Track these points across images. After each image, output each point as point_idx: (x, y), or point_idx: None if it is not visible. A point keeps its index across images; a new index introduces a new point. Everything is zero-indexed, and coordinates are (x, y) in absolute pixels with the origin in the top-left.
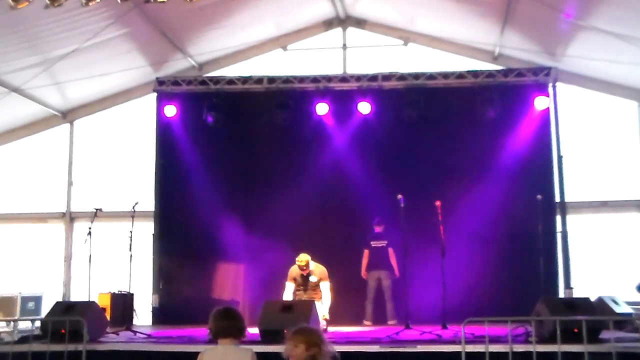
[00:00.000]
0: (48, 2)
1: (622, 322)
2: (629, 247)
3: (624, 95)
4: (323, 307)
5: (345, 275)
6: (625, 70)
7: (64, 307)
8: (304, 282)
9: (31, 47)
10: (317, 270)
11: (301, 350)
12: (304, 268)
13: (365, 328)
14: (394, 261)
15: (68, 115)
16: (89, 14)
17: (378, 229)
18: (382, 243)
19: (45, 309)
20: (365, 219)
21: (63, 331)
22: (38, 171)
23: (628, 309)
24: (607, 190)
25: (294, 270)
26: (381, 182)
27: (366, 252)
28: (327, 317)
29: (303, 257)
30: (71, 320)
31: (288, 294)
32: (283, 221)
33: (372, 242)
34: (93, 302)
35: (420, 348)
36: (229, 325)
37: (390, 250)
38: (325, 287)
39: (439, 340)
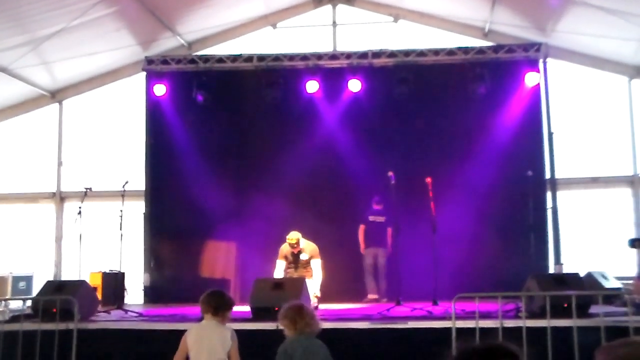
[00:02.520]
0: None
1: (611, 296)
2: (619, 223)
3: (614, 70)
4: (314, 284)
5: (337, 253)
6: (615, 45)
7: (55, 287)
8: (294, 259)
9: (18, 26)
10: (308, 248)
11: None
12: (295, 246)
13: (360, 305)
14: (389, 240)
15: (57, 95)
16: None
17: (377, 207)
18: (380, 219)
19: (37, 288)
20: (356, 197)
21: (54, 310)
22: (28, 151)
23: (617, 284)
24: (598, 166)
25: (284, 248)
26: (372, 159)
27: (362, 227)
28: (319, 295)
29: (293, 235)
30: (62, 299)
31: (279, 272)
32: (274, 199)
33: (370, 217)
34: (84, 281)
35: (411, 324)
36: (216, 305)
37: (389, 229)
38: (316, 264)
39: (430, 317)
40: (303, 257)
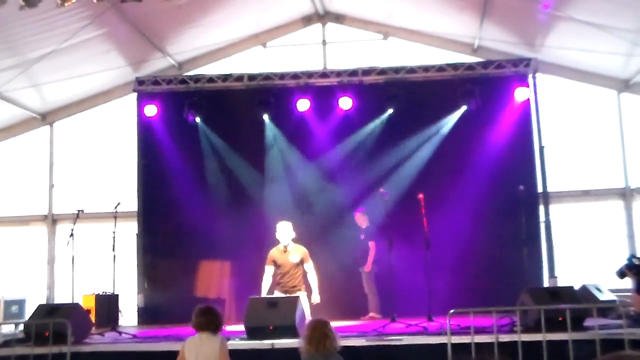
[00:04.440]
0: (22, 3)
1: (606, 309)
2: (612, 235)
3: (603, 84)
4: (312, 287)
5: (330, 270)
6: (604, 60)
7: (48, 310)
8: (283, 263)
9: (7, 49)
10: (298, 250)
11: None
12: (284, 237)
13: (355, 322)
14: (370, 255)
15: (47, 117)
16: (66, 15)
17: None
18: (362, 236)
19: (29, 312)
20: (348, 214)
21: (47, 334)
22: (19, 174)
23: (611, 297)
24: (589, 180)
25: (272, 253)
26: (364, 176)
27: (373, 244)
28: (319, 301)
29: (284, 224)
30: (55, 323)
31: (267, 278)
32: (266, 218)
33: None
34: (77, 303)
35: (407, 341)
36: (206, 321)
37: (371, 244)
38: (310, 267)
39: (425, 333)
40: (293, 259)
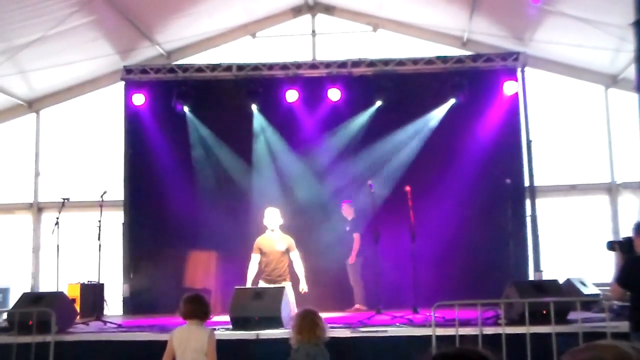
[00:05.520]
0: None
1: (590, 303)
2: (597, 230)
3: (591, 79)
4: (299, 277)
5: (316, 261)
6: (592, 55)
7: (32, 299)
8: (269, 250)
9: None
10: (285, 239)
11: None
12: (272, 222)
13: (343, 313)
14: (354, 247)
15: (34, 104)
16: (53, 2)
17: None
18: (347, 227)
19: (14, 301)
20: (336, 206)
21: (30, 323)
22: (4, 161)
23: (595, 290)
24: (576, 174)
25: (259, 241)
26: (351, 168)
27: (357, 236)
28: (306, 290)
29: (272, 209)
30: (39, 312)
31: (253, 266)
32: (254, 208)
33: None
34: (61, 292)
35: (392, 332)
36: (195, 309)
37: (355, 236)
38: (296, 256)
39: (410, 324)
40: (279, 247)
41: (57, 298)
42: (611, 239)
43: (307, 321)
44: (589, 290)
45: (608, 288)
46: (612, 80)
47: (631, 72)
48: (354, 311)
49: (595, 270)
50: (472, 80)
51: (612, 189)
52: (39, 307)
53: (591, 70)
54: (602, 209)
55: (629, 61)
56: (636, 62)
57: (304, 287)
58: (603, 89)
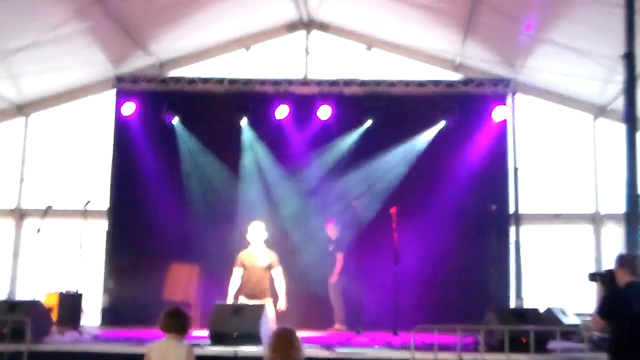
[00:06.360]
0: None
1: (570, 332)
2: (580, 260)
3: (580, 108)
4: (279, 294)
5: (298, 279)
6: (582, 84)
7: (7, 306)
8: (251, 265)
9: None
10: (268, 255)
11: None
12: (256, 237)
13: (322, 333)
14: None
15: (23, 109)
16: (48, 7)
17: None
18: (330, 247)
19: None
20: (320, 224)
21: (4, 330)
22: None
23: (576, 320)
24: (561, 203)
25: (241, 255)
26: (338, 187)
27: (341, 256)
28: (284, 308)
29: (257, 223)
30: (13, 320)
31: (235, 280)
32: (239, 222)
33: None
34: (38, 301)
35: (370, 354)
36: (174, 323)
37: (338, 255)
38: (278, 272)
39: (389, 347)
40: (262, 262)
41: (33, 307)
42: (593, 269)
43: (283, 340)
44: (570, 320)
45: (589, 318)
46: (601, 111)
47: (620, 103)
48: (333, 331)
49: (576, 300)
50: (463, 105)
51: (596, 219)
52: (14, 315)
53: (580, 99)
54: (585, 239)
55: (617, 92)
56: (625, 94)
57: (281, 305)
58: (591, 118)
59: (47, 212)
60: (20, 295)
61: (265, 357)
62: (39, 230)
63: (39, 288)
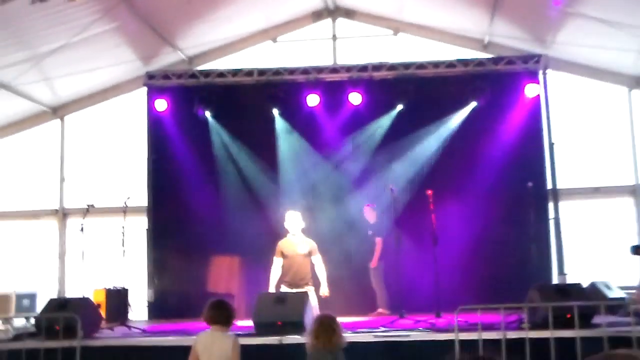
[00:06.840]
0: None
1: (615, 306)
2: (622, 233)
3: (614, 81)
4: (321, 280)
5: (339, 265)
6: (614, 56)
7: (58, 304)
8: (291, 254)
9: (19, 42)
10: (307, 243)
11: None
12: (293, 226)
13: (365, 317)
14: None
15: (58, 111)
16: (76, 9)
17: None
18: (370, 232)
19: (41, 306)
20: (359, 209)
21: (57, 328)
22: (30, 168)
23: (620, 294)
24: (599, 177)
25: (281, 244)
26: (373, 172)
27: (380, 240)
28: (327, 294)
29: (293, 213)
30: (65, 317)
31: (276, 269)
32: (276, 212)
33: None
34: (87, 298)
35: (414, 337)
36: (219, 315)
37: (378, 240)
38: (318, 259)
39: (433, 329)
40: (301, 250)
41: (82, 303)
42: (635, 242)
43: (324, 327)
44: (614, 293)
45: (633, 291)
46: (636, 82)
47: None
48: (376, 315)
49: (620, 274)
50: (494, 83)
51: (636, 191)
52: (66, 313)
53: (614, 71)
54: (626, 211)
55: None
56: None
57: (324, 291)
58: (626, 91)
59: (88, 211)
60: (69, 294)
61: (307, 344)
62: (82, 229)
63: (86, 285)
